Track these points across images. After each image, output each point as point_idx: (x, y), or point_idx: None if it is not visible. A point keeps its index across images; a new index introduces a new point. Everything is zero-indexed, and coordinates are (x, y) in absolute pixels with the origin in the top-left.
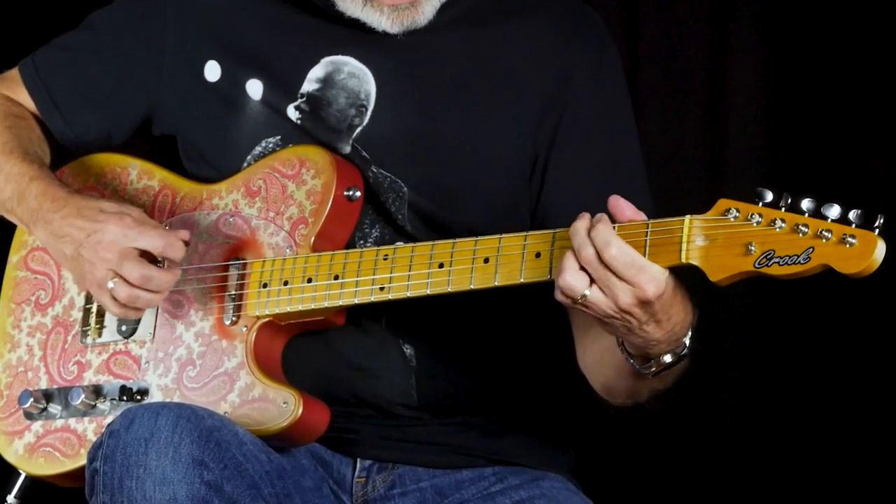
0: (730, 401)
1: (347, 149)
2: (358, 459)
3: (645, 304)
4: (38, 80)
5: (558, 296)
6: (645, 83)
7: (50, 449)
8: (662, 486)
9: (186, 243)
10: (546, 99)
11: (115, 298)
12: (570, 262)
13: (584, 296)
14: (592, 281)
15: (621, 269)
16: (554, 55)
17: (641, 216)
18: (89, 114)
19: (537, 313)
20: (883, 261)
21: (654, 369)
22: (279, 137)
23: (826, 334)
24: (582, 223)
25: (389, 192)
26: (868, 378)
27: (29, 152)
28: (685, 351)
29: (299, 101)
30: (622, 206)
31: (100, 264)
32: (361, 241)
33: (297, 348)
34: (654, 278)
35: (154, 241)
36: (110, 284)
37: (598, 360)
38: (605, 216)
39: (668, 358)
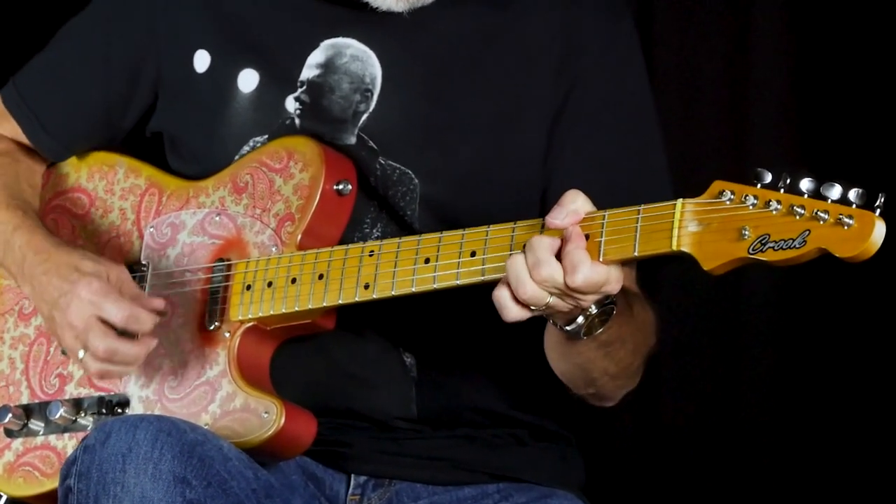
0: (749, 414)
1: (353, 140)
2: (352, 475)
3: None
4: (24, 107)
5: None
6: (659, 70)
7: (29, 468)
8: (678, 502)
9: (162, 313)
10: (555, 73)
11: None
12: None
13: (547, 304)
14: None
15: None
16: (564, 27)
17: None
18: (83, 128)
19: (545, 321)
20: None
21: (582, 324)
22: (266, 137)
23: (849, 336)
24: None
25: (399, 185)
26: (888, 381)
27: (15, 196)
28: (611, 299)
29: (299, 91)
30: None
31: (69, 332)
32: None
33: (290, 355)
34: (617, 280)
35: (117, 313)
36: (80, 355)
37: (548, 346)
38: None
39: (592, 308)
